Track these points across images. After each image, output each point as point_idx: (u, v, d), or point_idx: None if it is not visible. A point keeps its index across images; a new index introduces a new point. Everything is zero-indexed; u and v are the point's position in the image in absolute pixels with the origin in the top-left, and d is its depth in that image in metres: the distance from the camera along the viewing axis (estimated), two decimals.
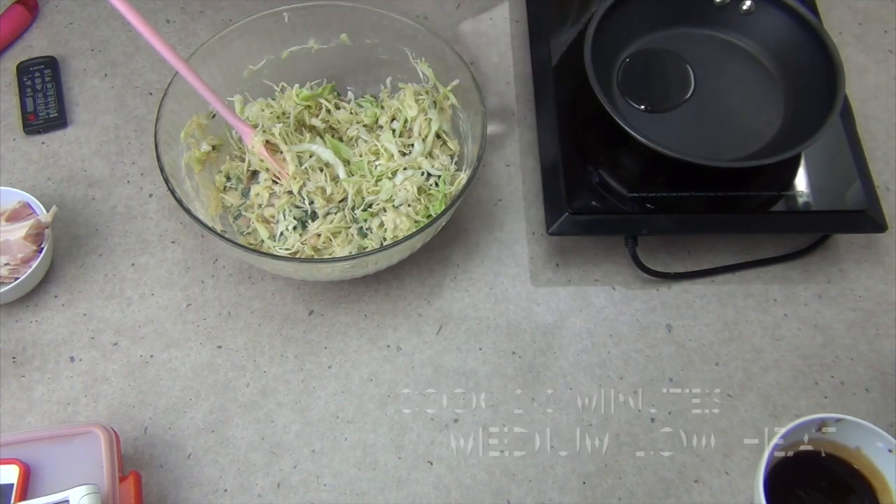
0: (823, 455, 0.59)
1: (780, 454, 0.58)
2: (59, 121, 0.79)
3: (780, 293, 0.72)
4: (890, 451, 0.57)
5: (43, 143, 0.79)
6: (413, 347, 0.69)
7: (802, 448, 0.59)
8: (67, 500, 0.53)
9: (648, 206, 0.70)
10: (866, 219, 0.70)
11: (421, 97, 0.72)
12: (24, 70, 0.81)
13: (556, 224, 0.69)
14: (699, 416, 0.66)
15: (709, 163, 0.68)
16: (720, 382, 0.67)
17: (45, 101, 0.80)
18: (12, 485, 0.55)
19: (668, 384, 0.67)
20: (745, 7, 0.77)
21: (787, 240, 0.74)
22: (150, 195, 0.76)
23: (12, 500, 0.55)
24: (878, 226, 0.70)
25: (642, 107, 0.74)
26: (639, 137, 0.66)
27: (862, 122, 0.81)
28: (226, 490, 0.62)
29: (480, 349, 0.69)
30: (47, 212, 0.70)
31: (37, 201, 0.70)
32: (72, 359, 0.68)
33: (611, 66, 0.77)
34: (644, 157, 0.73)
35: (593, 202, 0.70)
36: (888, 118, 0.82)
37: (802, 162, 0.73)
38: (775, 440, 0.56)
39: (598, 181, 0.71)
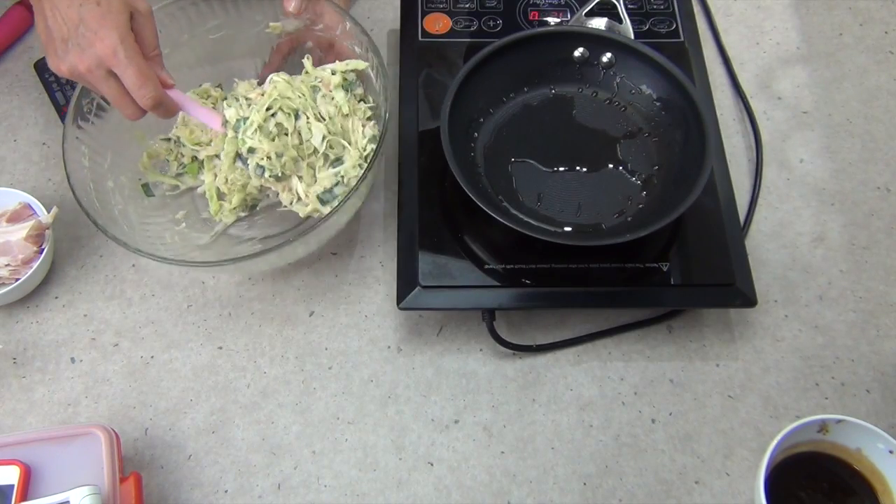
0: (824, 456, 0.59)
1: (781, 455, 0.58)
2: None
3: (781, 294, 0.72)
4: (891, 452, 0.57)
5: (44, 143, 0.79)
6: (413, 348, 0.69)
7: (803, 449, 0.59)
8: (68, 501, 0.53)
9: (506, 278, 0.66)
10: (735, 292, 0.66)
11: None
12: (43, 67, 0.81)
13: (406, 299, 0.65)
14: (700, 417, 0.66)
15: (552, 239, 0.64)
16: (721, 383, 0.67)
17: (74, 91, 0.80)
18: (13, 485, 0.55)
19: (669, 385, 0.67)
20: (604, 60, 0.73)
21: None
22: None
23: (13, 501, 0.55)
24: (748, 300, 0.65)
25: (505, 203, 0.68)
26: (492, 214, 0.62)
27: (862, 123, 0.81)
28: (226, 491, 0.62)
29: (481, 350, 0.69)
30: (48, 213, 0.70)
31: (37, 202, 0.70)
32: (72, 360, 0.68)
33: (470, 137, 0.72)
34: (501, 231, 0.64)
35: (448, 275, 0.66)
36: (888, 119, 0.82)
37: (675, 229, 0.68)
38: (776, 441, 0.55)
39: (458, 252, 0.67)
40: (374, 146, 0.68)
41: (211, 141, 0.71)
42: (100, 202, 0.65)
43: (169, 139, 0.74)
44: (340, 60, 0.71)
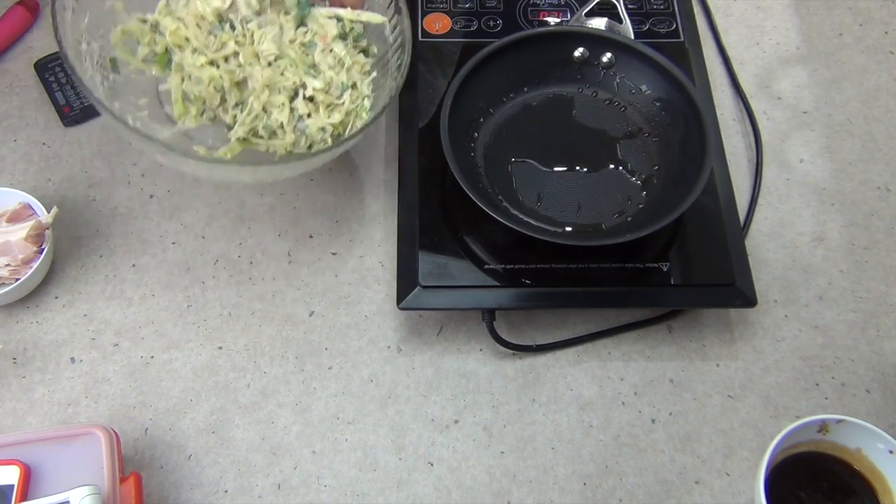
0: (824, 456, 0.59)
1: (781, 455, 0.58)
2: (93, 108, 0.79)
3: (781, 294, 0.72)
4: (891, 452, 0.57)
5: (44, 143, 0.79)
6: (413, 348, 0.69)
7: (803, 449, 0.59)
8: (68, 501, 0.53)
9: (506, 278, 0.66)
10: (735, 292, 0.66)
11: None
12: (43, 67, 0.81)
13: (406, 299, 0.65)
14: (700, 417, 0.66)
15: (552, 239, 0.64)
16: (721, 383, 0.67)
17: (75, 91, 0.80)
18: (13, 486, 0.55)
19: (669, 385, 0.67)
20: (604, 60, 0.74)
21: None
22: (151, 196, 0.76)
23: (13, 501, 0.55)
24: (748, 300, 0.65)
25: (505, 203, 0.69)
26: (492, 214, 0.63)
27: (862, 123, 0.81)
28: (226, 491, 0.62)
29: (481, 350, 0.69)
30: (48, 213, 0.70)
31: (37, 202, 0.70)
32: (72, 359, 0.68)
33: (470, 137, 0.72)
34: (501, 231, 0.64)
35: (448, 275, 0.65)
36: (888, 119, 0.82)
37: (675, 229, 0.68)
38: (776, 441, 0.56)
39: (458, 252, 0.67)
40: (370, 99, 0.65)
41: (194, 48, 0.64)
42: (74, 60, 0.60)
43: (146, 21, 0.66)
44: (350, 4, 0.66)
